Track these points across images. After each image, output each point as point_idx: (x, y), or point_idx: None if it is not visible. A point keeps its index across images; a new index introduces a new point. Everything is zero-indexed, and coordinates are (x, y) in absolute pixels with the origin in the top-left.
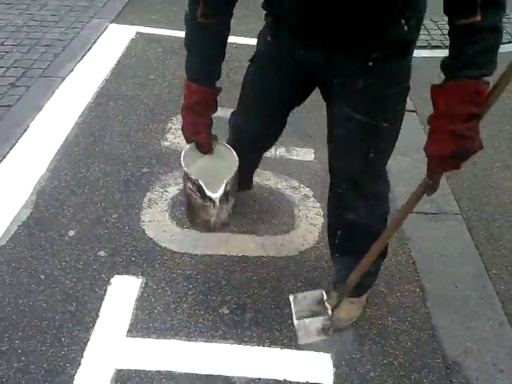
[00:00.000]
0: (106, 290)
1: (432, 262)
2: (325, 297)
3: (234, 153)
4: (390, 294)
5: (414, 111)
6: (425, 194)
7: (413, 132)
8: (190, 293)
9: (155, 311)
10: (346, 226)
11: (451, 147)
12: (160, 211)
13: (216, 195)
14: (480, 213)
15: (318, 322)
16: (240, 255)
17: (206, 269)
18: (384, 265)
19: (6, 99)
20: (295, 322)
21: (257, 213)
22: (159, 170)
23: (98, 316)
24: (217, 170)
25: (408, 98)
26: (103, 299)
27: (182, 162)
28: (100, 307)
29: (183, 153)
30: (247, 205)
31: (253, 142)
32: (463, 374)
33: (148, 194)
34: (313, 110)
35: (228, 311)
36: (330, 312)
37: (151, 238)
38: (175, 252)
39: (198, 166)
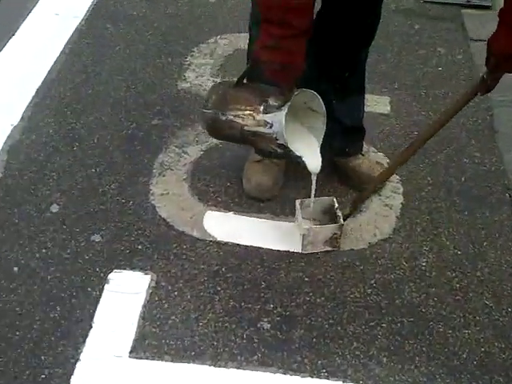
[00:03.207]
0: (101, 291)
1: None
2: (336, 204)
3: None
4: None
5: None
6: None
7: None
8: (217, 298)
9: (169, 322)
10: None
11: None
12: (176, 180)
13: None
14: None
15: (328, 231)
16: (285, 247)
17: (240, 264)
18: None
19: None
20: (304, 227)
21: (308, 187)
22: (175, 123)
23: (90, 327)
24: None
25: None
26: (98, 303)
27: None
28: (93, 314)
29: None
30: (293, 177)
31: None
32: None
33: (160, 155)
34: (388, 44)
35: (269, 326)
36: (341, 221)
37: (164, 219)
38: (197, 239)
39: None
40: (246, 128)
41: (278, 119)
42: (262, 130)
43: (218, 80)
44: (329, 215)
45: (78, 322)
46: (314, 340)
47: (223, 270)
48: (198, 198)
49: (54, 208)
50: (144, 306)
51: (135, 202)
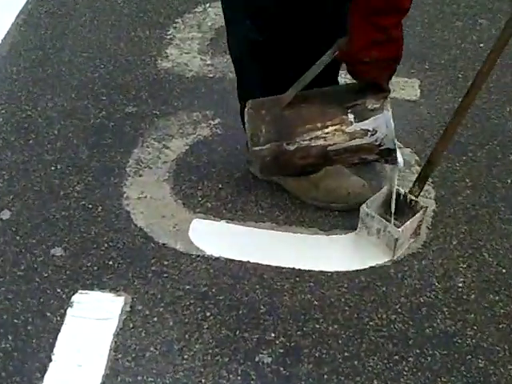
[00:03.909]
0: (63, 316)
1: None
2: (402, 191)
3: None
4: None
5: None
6: None
7: None
8: (205, 325)
9: (147, 355)
10: None
11: None
12: (156, 181)
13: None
14: None
15: (415, 221)
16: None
17: (234, 284)
18: None
19: None
20: (396, 231)
21: None
22: (154, 111)
23: (50, 360)
24: None
25: None
26: (59, 331)
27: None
28: (54, 345)
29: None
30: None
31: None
32: None
33: (136, 151)
34: (418, 15)
35: (270, 359)
36: (422, 204)
37: (141, 229)
38: (182, 253)
39: None
40: (331, 148)
41: (383, 121)
42: (358, 142)
43: (208, 58)
44: (385, 207)
45: (35, 353)
46: (325, 377)
47: (213, 290)
48: (182, 203)
49: (5, 214)
50: (116, 335)
51: (105, 208)
